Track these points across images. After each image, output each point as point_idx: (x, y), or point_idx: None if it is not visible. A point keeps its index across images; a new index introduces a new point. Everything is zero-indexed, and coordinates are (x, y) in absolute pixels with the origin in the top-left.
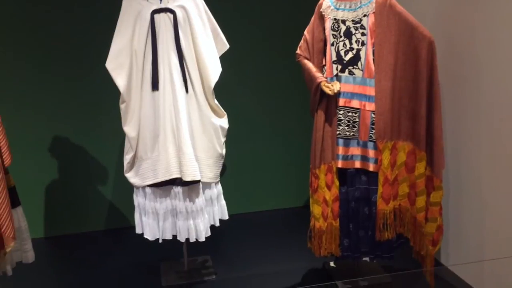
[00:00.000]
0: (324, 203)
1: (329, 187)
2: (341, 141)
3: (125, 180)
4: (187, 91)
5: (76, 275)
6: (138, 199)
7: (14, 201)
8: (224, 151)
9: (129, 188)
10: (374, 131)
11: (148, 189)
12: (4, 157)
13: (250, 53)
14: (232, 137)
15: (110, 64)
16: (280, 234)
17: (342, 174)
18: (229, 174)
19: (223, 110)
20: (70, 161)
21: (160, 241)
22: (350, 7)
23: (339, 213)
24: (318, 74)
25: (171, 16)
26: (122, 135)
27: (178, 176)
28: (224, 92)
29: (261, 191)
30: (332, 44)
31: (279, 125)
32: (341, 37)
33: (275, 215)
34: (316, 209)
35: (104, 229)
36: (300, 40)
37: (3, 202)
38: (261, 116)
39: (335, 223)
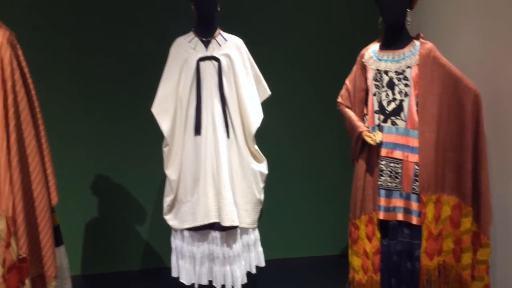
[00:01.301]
0: (364, 255)
1: (369, 239)
2: (383, 192)
3: (162, 221)
4: (228, 136)
5: None
6: (175, 241)
7: (58, 240)
8: (262, 197)
9: (166, 230)
10: (417, 183)
11: (186, 233)
12: (52, 196)
13: (289, 97)
14: (269, 182)
15: (156, 109)
16: (315, 283)
17: (384, 226)
18: (264, 218)
19: (262, 156)
20: (109, 200)
21: (196, 286)
22: (393, 58)
23: (380, 266)
24: (359, 123)
25: (216, 64)
26: (161, 177)
27: (216, 220)
28: (263, 137)
29: (296, 238)
30: (374, 94)
31: (317, 171)
32: (383, 87)
33: (310, 262)
34: (355, 261)
35: (140, 269)
36: (340, 86)
37: (48, 242)
38: (299, 162)
39: (376, 277)
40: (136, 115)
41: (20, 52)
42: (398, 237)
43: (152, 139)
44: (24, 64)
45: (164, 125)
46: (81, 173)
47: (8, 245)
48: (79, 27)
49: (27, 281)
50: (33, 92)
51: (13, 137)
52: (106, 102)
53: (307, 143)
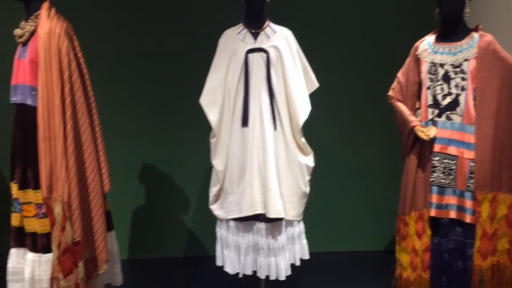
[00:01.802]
0: (413, 252)
1: (419, 236)
2: (435, 188)
3: (206, 210)
4: (275, 128)
5: None
6: (221, 231)
7: (109, 225)
8: (308, 190)
9: (210, 219)
10: (472, 180)
11: (231, 223)
12: (104, 183)
13: (337, 91)
14: (314, 175)
15: (204, 100)
16: (359, 278)
17: (435, 223)
18: (309, 211)
19: (309, 148)
20: (155, 188)
21: (240, 275)
22: (449, 50)
23: (429, 264)
24: (412, 118)
25: (264, 55)
26: (206, 167)
27: (262, 212)
28: (309, 130)
29: (340, 232)
30: (428, 88)
31: (363, 165)
32: (438, 81)
33: (354, 256)
34: (404, 258)
35: (183, 256)
36: (388, 80)
37: (100, 227)
38: (345, 155)
39: (425, 275)
40: (183, 106)
41: (76, 43)
42: (450, 235)
43: (198, 129)
44: (80, 55)
45: (212, 116)
46: (129, 162)
47: (63, 228)
48: (129, 21)
49: (80, 264)
50: (88, 82)
51: (69, 125)
52: (155, 95)
53: (353, 137)
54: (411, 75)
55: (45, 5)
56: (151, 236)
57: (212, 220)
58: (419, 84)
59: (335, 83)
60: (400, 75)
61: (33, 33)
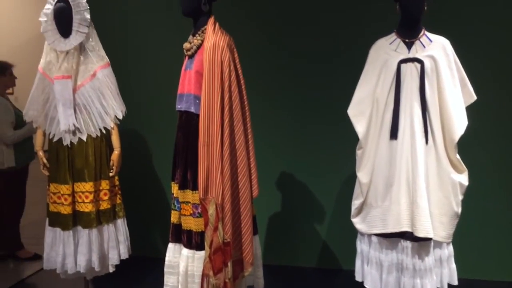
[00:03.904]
0: None
1: None
2: None
3: (342, 223)
4: (427, 142)
5: None
6: (362, 245)
7: (254, 229)
8: (460, 210)
9: (345, 232)
10: None
11: (374, 238)
12: (253, 188)
13: (496, 104)
14: (467, 195)
15: (352, 111)
16: None
17: None
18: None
19: (463, 166)
20: (293, 196)
21: None
22: None
23: None
24: None
25: (419, 66)
26: (345, 178)
27: (408, 229)
28: (463, 145)
29: (493, 259)
30: None
31: None
32: None
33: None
34: None
35: (315, 266)
36: None
37: (248, 230)
38: (503, 176)
39: None
40: (328, 116)
41: (236, 55)
42: None
43: (340, 139)
44: (238, 66)
45: (359, 128)
46: (269, 168)
47: (216, 228)
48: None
49: (229, 264)
50: (244, 91)
51: (226, 132)
52: (302, 101)
53: (507, 153)
54: None
55: (211, 21)
56: (285, 243)
57: (347, 233)
58: None
59: (493, 96)
60: None
61: (199, 46)
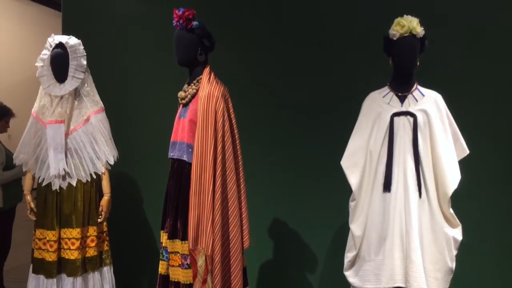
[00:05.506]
0: None
1: None
2: None
3: (334, 275)
4: (420, 196)
5: None
6: None
7: (244, 282)
8: (454, 265)
9: (339, 285)
10: None
11: None
12: (244, 239)
13: (488, 157)
14: (461, 250)
15: (345, 162)
16: None
17: None
18: None
19: (457, 220)
20: (284, 248)
21: None
22: None
23: None
24: None
25: (411, 119)
26: (336, 229)
27: (402, 285)
28: (458, 200)
29: None
30: None
31: None
32: None
33: None
34: None
35: None
36: None
37: (238, 282)
38: (496, 231)
39: None
40: (322, 167)
41: (230, 105)
42: None
43: (333, 191)
44: (233, 115)
45: (353, 179)
46: (262, 220)
47: (204, 281)
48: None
49: None
50: (238, 141)
51: (218, 182)
52: (295, 155)
53: (507, 209)
54: None
55: (206, 70)
56: None
57: (340, 286)
58: None
59: (485, 150)
60: None
61: (194, 95)
